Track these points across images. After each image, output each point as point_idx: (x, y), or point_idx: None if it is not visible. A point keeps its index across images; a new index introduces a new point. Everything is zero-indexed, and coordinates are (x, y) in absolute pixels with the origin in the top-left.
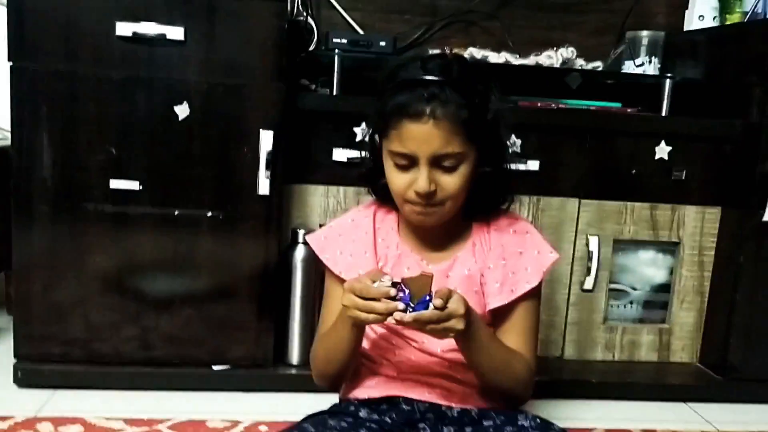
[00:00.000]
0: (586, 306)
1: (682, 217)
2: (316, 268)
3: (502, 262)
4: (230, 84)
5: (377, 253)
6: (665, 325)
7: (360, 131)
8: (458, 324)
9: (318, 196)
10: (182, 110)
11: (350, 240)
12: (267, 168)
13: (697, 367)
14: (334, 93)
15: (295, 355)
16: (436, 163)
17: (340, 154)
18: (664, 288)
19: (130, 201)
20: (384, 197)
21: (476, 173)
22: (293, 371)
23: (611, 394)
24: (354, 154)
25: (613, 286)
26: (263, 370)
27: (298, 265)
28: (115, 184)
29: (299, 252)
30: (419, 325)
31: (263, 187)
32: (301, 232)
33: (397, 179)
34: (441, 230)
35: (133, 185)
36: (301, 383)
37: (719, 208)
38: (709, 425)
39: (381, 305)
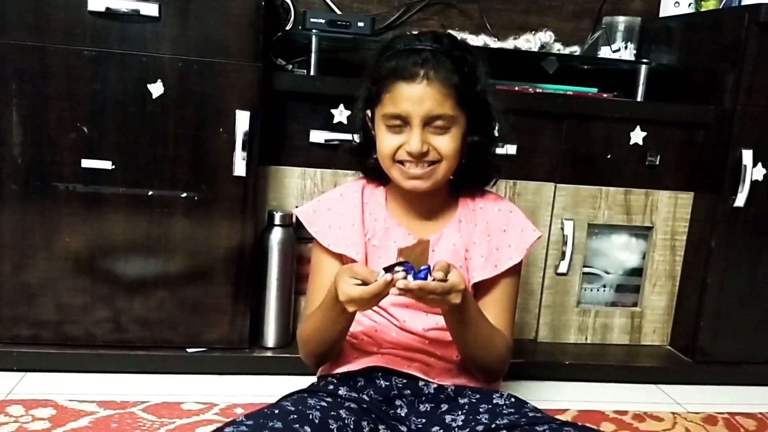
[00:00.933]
0: (560, 289)
1: (655, 201)
2: (292, 251)
3: (487, 238)
4: (205, 62)
5: (365, 226)
6: (637, 308)
7: (338, 113)
8: (457, 298)
9: (295, 178)
10: (156, 88)
11: (339, 213)
12: (243, 149)
13: (667, 350)
14: (312, 74)
15: (271, 338)
16: (429, 124)
17: (318, 136)
18: (637, 272)
19: (102, 181)
20: (373, 173)
21: (466, 142)
22: (269, 354)
23: (584, 376)
24: (332, 136)
25: (586, 269)
26: (239, 353)
27: (275, 247)
28: (86, 163)
29: (275, 234)
30: (422, 293)
31: (239, 168)
32: (277, 214)
33: (388, 141)
34: (428, 205)
35: (106, 165)
36: (277, 366)
37: (692, 194)
38: (679, 407)
39: (381, 281)
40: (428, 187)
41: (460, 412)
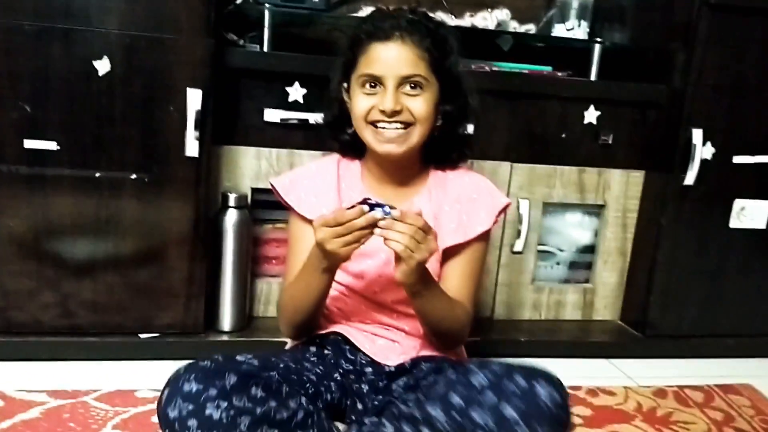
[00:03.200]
0: (516, 267)
1: (607, 180)
2: (248, 232)
3: (458, 206)
4: (154, 38)
5: (341, 196)
6: (589, 284)
7: (293, 91)
8: (433, 243)
9: (249, 159)
10: (102, 65)
11: (314, 184)
12: (195, 128)
13: (618, 325)
14: (265, 50)
15: (227, 322)
16: (402, 85)
17: (273, 115)
18: (589, 249)
19: (46, 162)
20: (348, 147)
21: (439, 110)
22: (225, 338)
23: (539, 353)
24: (288, 115)
25: (541, 247)
26: (194, 338)
27: (229, 229)
28: (30, 144)
29: (230, 216)
30: (404, 228)
31: (191, 148)
32: (232, 195)
33: (363, 101)
34: (401, 176)
35: (50, 145)
36: (234, 350)
37: (643, 172)
38: (631, 381)
39: (361, 219)
40: (402, 152)
41: (409, 380)
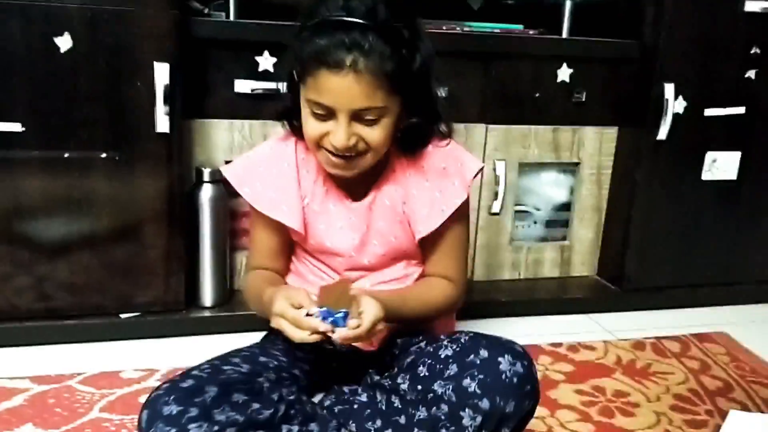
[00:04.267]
0: (494, 229)
1: (582, 138)
2: (224, 206)
3: (426, 184)
4: (116, 11)
5: (301, 187)
6: (566, 242)
7: (263, 60)
8: (381, 326)
9: (222, 131)
10: (64, 42)
11: (271, 173)
12: (165, 103)
13: (596, 280)
14: (231, 18)
15: (207, 297)
16: (357, 117)
17: (243, 86)
18: (565, 207)
19: (12, 144)
20: (302, 132)
21: (401, 124)
22: (207, 314)
23: (519, 311)
24: (258, 85)
25: (518, 208)
26: (175, 315)
27: (205, 204)
28: None
29: (205, 191)
30: (350, 341)
31: (161, 124)
32: (206, 170)
33: (313, 128)
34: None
35: (14, 127)
36: (216, 325)
37: (616, 129)
38: (610, 334)
39: (312, 338)
40: (353, 175)
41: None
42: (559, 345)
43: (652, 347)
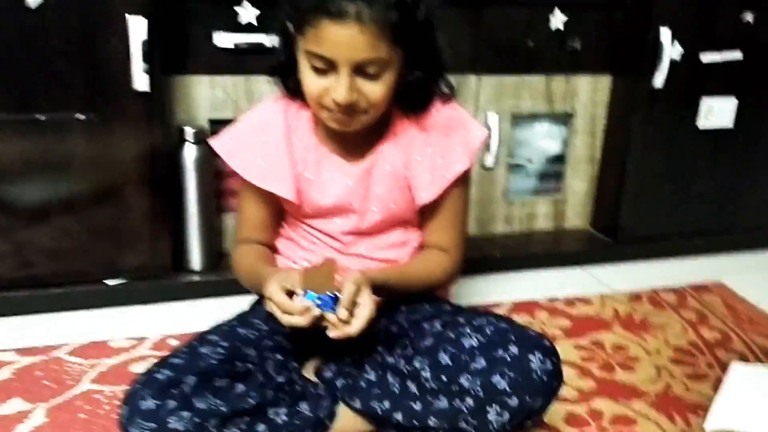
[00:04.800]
0: (487, 183)
1: (575, 87)
2: (209, 166)
3: (429, 150)
4: None
5: (294, 155)
6: (559, 194)
7: (243, 12)
8: (373, 310)
9: (203, 88)
10: None
11: (261, 141)
12: (143, 60)
13: (590, 232)
14: None
15: (195, 261)
16: (359, 70)
17: (224, 40)
18: (559, 159)
19: None
20: (296, 92)
21: (404, 78)
22: (195, 278)
23: (513, 266)
24: (241, 38)
25: (511, 161)
26: (163, 280)
27: (190, 165)
28: None
29: (189, 151)
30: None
31: (140, 81)
32: (188, 129)
33: (313, 83)
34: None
35: None
36: (205, 289)
37: (610, 77)
38: (606, 287)
39: (300, 322)
40: (355, 129)
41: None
42: (556, 300)
43: (649, 299)
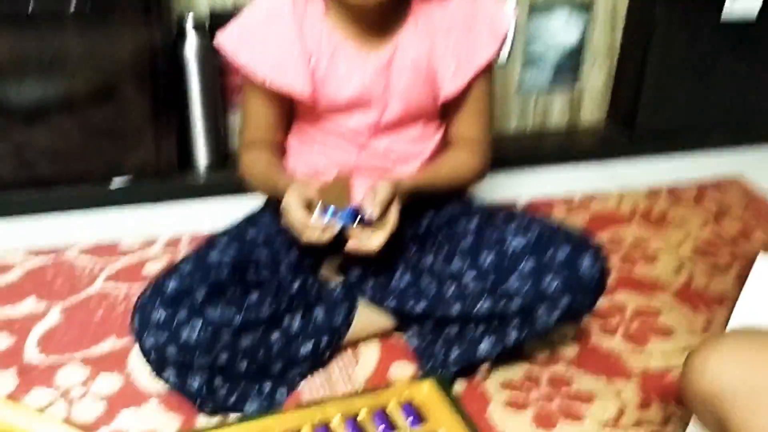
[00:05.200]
0: (500, 76)
1: None
2: (213, 58)
3: (453, 37)
4: None
5: (306, 45)
6: (576, 88)
7: None
8: (396, 223)
9: None
10: None
11: (270, 34)
12: None
13: (607, 128)
14: None
15: (202, 158)
16: None
17: None
18: (576, 51)
19: None
20: None
21: None
22: (202, 176)
23: (528, 162)
24: None
25: (526, 53)
26: (169, 178)
27: (191, 57)
28: None
29: (190, 42)
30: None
31: None
32: (189, 18)
33: None
34: (376, 13)
35: None
36: (212, 188)
37: None
38: (623, 182)
39: (319, 237)
40: (375, 3)
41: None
42: (573, 196)
43: (668, 194)
